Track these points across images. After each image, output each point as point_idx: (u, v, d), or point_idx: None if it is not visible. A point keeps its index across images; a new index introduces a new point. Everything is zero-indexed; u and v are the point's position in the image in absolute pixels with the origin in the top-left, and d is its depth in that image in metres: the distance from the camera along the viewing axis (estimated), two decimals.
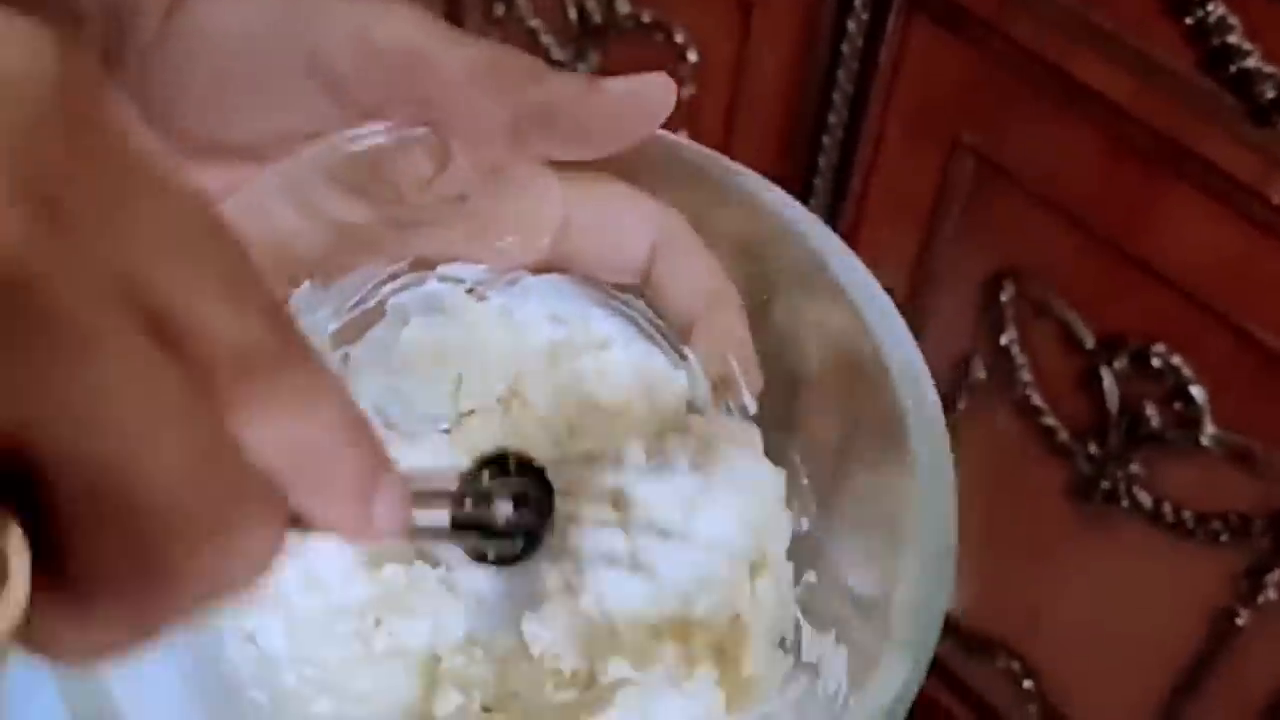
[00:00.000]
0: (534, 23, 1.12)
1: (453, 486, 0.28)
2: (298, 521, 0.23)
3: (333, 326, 0.37)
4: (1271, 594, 0.82)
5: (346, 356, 0.38)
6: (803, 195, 0.97)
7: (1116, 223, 0.81)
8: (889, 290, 0.35)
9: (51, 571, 0.20)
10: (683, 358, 0.37)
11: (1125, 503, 0.87)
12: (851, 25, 0.86)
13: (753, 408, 0.37)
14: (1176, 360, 0.82)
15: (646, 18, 1.00)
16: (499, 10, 1.14)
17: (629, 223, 0.36)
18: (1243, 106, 0.71)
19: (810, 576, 0.36)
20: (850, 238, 0.93)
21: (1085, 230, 0.83)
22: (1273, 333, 0.76)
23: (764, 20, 0.93)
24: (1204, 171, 0.74)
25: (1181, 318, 0.80)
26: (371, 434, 0.24)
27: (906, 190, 0.90)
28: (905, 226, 0.92)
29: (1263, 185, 0.72)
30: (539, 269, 0.37)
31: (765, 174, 0.36)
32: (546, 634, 0.35)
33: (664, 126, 0.34)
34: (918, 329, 0.35)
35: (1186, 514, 0.84)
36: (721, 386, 0.36)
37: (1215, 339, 0.79)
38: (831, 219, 0.97)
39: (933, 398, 0.33)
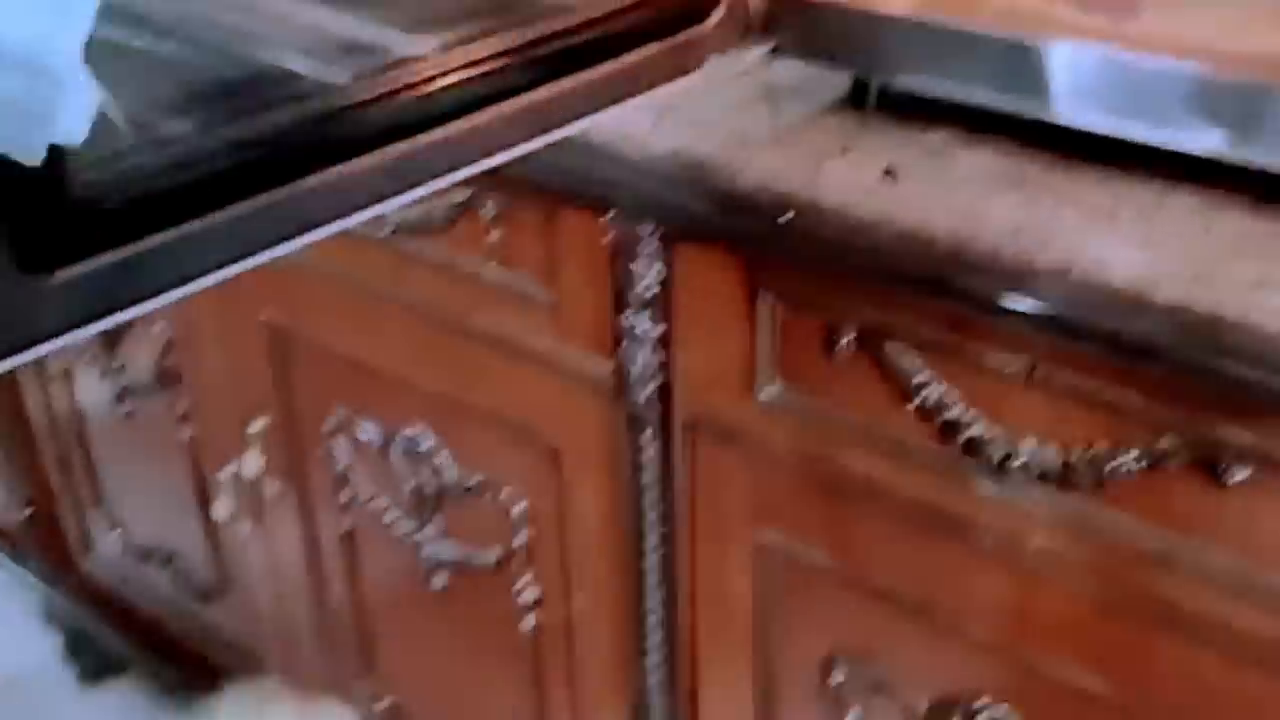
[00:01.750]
0: (380, 500, 1.20)
1: None
2: None
3: None
4: None
5: None
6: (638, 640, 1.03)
7: (917, 592, 0.87)
8: None
9: None
10: None
11: None
12: (646, 454, 0.95)
13: None
14: (1003, 710, 0.86)
15: (473, 481, 1.09)
16: (344, 496, 1.22)
17: None
18: (982, 468, 0.79)
19: None
20: (693, 673, 0.98)
21: (895, 603, 0.89)
22: (1073, 668, 0.81)
23: (573, 465, 1.01)
24: (966, 530, 0.81)
25: (998, 667, 0.85)
26: None
27: (728, 597, 0.96)
28: (734, 637, 0.97)
29: (1019, 537, 0.79)
30: None
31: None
32: None
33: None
34: None
35: None
36: None
37: (1032, 684, 0.84)
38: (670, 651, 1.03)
39: None
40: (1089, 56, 0.71)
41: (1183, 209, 0.71)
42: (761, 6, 0.80)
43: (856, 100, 0.84)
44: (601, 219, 0.90)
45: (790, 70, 0.84)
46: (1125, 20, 0.76)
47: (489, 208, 0.97)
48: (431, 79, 0.69)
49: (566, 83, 0.73)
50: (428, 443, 1.12)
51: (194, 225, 0.52)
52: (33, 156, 0.43)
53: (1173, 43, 0.71)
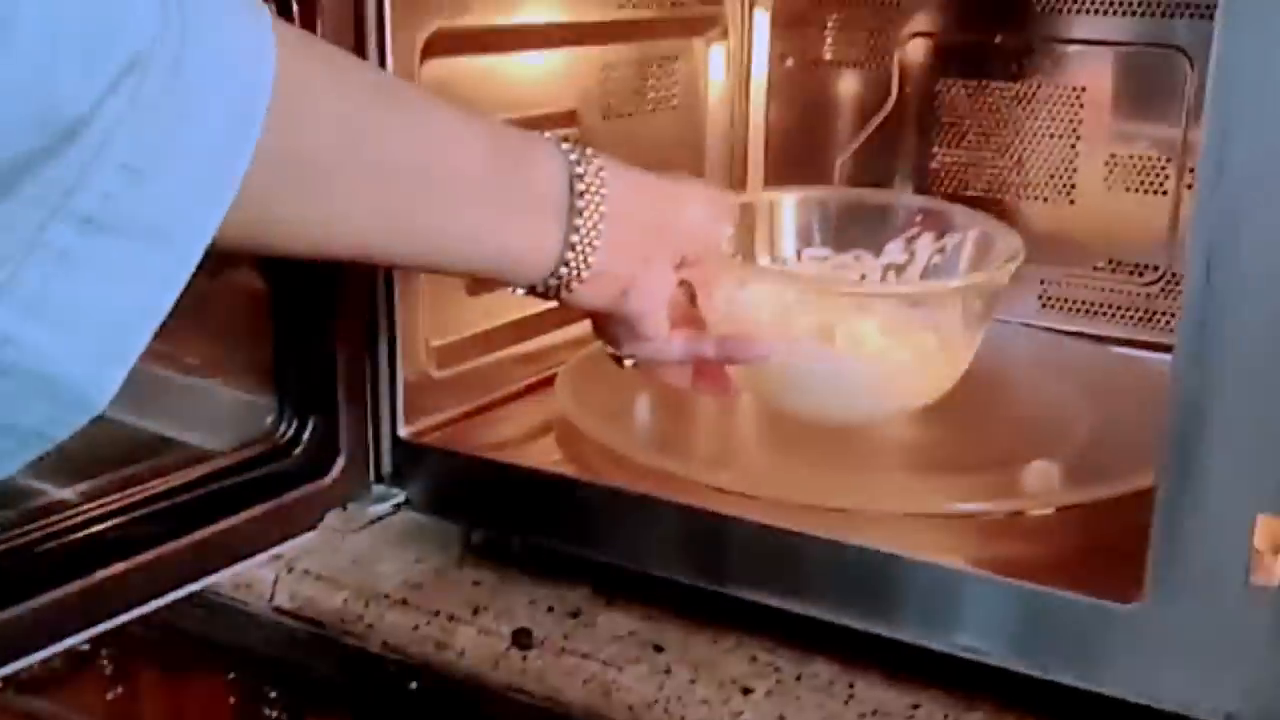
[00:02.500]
0: None
1: None
2: None
3: None
4: None
5: None
6: None
7: None
8: None
9: None
10: None
11: None
12: None
13: None
14: None
15: None
16: None
17: None
18: None
19: None
20: None
21: None
22: None
23: None
24: None
25: None
26: None
27: None
28: None
29: None
30: None
31: None
32: None
33: None
34: None
35: None
36: None
37: None
38: None
39: None
40: (728, 525, 0.68)
41: (823, 678, 0.66)
42: (390, 456, 0.76)
43: (497, 553, 0.78)
44: (223, 680, 0.80)
45: (427, 521, 0.79)
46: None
47: (107, 665, 0.86)
48: (52, 534, 0.64)
49: (182, 541, 0.68)
50: None
51: None
52: None
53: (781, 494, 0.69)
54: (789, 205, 0.84)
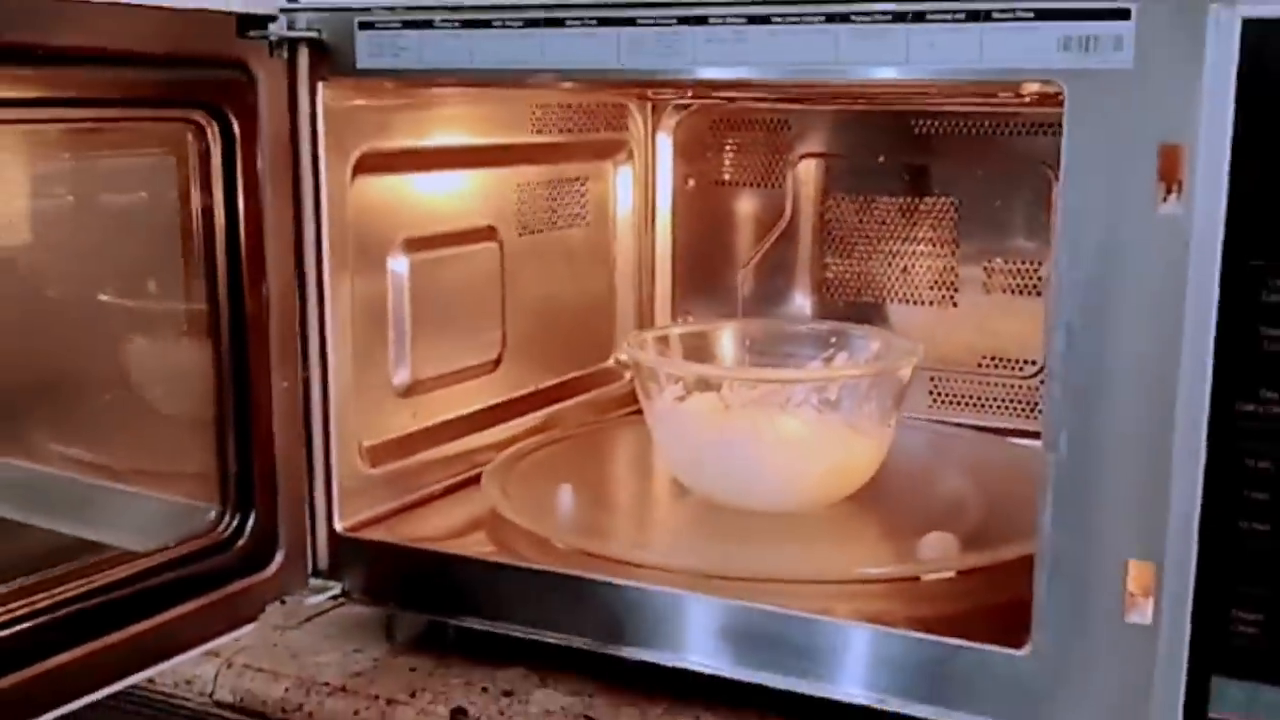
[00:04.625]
0: None
1: None
2: None
3: None
4: None
5: None
6: None
7: None
8: None
9: None
10: None
11: None
12: None
13: None
14: None
15: None
16: None
17: None
18: None
19: None
20: None
21: None
22: None
23: None
24: None
25: None
26: None
27: None
28: None
29: None
30: None
31: None
32: None
33: None
34: None
35: None
36: None
37: None
38: None
39: None
40: (651, 596, 0.72)
41: None
42: (326, 549, 0.79)
43: (436, 637, 0.82)
44: None
45: (362, 614, 0.83)
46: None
47: None
48: None
49: (116, 636, 0.69)
50: None
51: None
52: None
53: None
54: (727, 331, 0.98)
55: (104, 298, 0.78)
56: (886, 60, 0.62)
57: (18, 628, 0.65)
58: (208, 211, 0.66)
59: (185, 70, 0.62)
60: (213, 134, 0.64)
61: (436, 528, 0.84)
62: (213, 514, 0.73)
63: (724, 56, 0.65)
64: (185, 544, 0.74)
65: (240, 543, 0.73)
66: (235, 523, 0.73)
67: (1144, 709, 0.59)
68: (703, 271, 1.15)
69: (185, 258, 0.66)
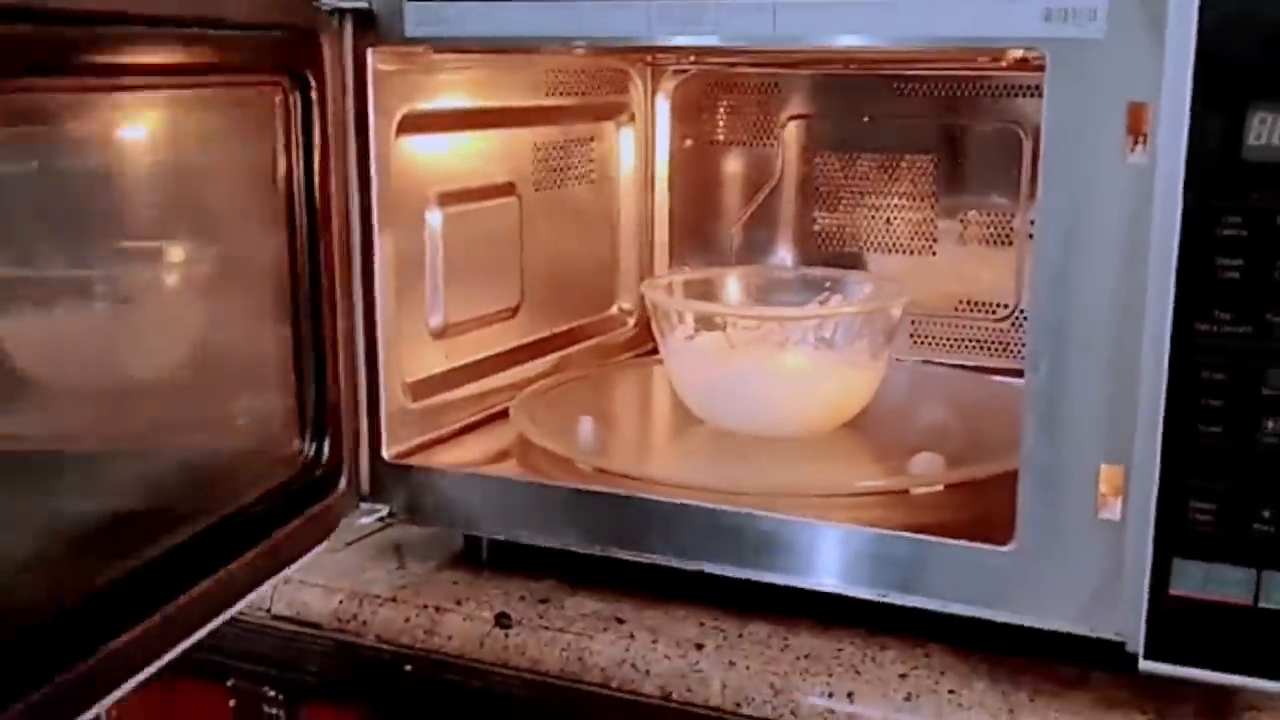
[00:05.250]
0: None
1: None
2: None
3: None
4: None
5: None
6: None
7: None
8: None
9: None
10: None
11: None
12: None
13: None
14: None
15: None
16: None
17: None
18: None
19: None
20: None
21: None
22: None
23: None
24: None
25: None
26: None
27: None
28: None
29: None
30: None
31: None
32: None
33: None
34: None
35: None
36: None
37: None
38: None
39: None
40: (671, 509, 0.81)
41: (762, 634, 0.80)
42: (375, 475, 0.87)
43: (471, 556, 0.90)
44: (222, 687, 0.90)
45: (410, 530, 0.91)
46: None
47: None
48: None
49: (222, 574, 0.72)
50: None
51: None
52: None
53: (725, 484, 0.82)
54: (732, 277, 1.07)
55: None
56: (893, 32, 0.71)
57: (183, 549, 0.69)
58: (290, 168, 0.73)
59: (276, 35, 0.70)
60: (294, 98, 0.71)
61: (469, 456, 0.93)
62: (296, 444, 0.80)
63: (745, 26, 0.74)
64: (281, 472, 0.80)
65: (318, 471, 0.80)
66: (313, 451, 0.80)
67: (1115, 589, 0.68)
68: (698, 225, 1.24)
69: (273, 211, 0.73)
